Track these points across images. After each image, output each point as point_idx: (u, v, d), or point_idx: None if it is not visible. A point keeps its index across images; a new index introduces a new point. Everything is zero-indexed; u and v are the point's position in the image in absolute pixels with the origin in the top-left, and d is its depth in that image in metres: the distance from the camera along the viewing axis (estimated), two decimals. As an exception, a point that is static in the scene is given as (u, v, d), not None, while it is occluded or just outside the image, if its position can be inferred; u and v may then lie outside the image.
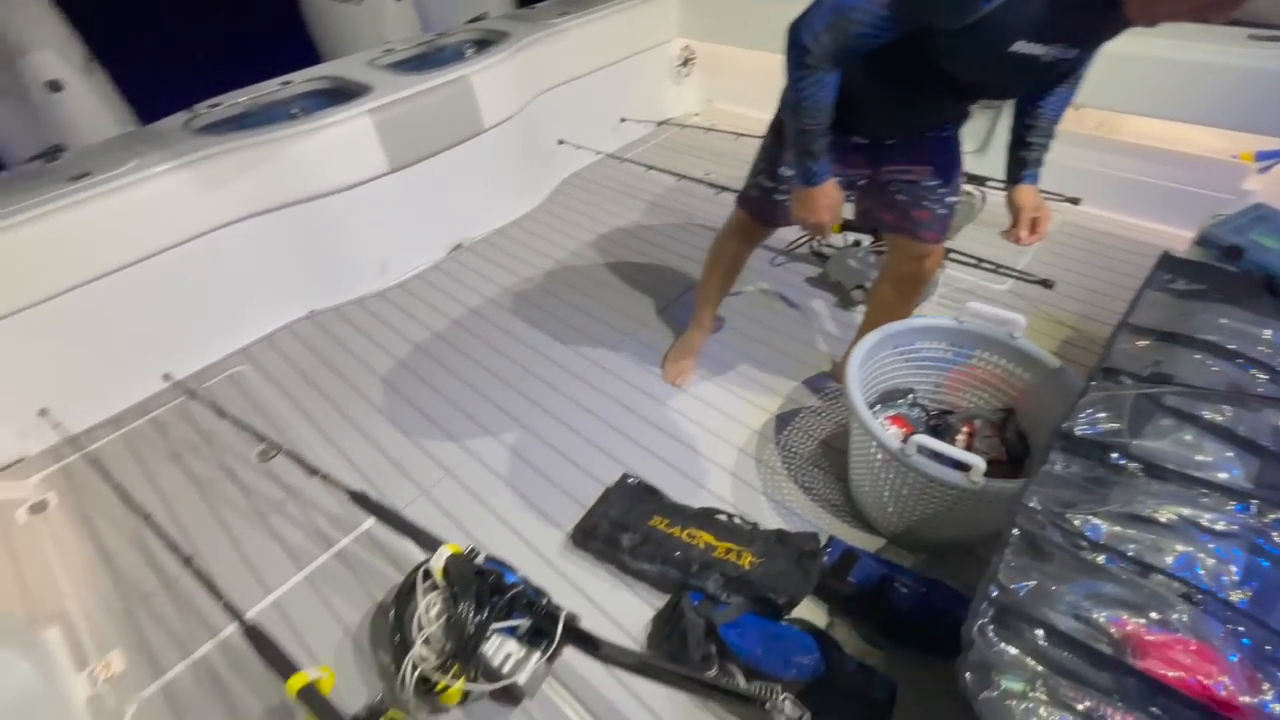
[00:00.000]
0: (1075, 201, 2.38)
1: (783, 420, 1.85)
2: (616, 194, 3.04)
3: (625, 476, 1.66)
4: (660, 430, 1.84)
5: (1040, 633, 0.76)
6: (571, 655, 1.33)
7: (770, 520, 1.56)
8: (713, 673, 1.22)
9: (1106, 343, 1.15)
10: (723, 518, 1.52)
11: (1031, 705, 0.70)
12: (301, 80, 2.54)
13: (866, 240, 2.26)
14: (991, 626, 0.78)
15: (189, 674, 1.39)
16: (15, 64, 2.61)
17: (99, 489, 1.77)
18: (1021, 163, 1.36)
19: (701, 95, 3.76)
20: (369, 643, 1.42)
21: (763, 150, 1.59)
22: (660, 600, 1.42)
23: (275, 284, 2.32)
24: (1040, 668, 0.73)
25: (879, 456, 1.34)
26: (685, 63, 3.61)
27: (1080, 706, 0.69)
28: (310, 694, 1.12)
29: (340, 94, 2.40)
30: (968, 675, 0.74)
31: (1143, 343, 1.14)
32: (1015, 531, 0.88)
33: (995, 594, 0.81)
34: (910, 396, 1.65)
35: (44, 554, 1.66)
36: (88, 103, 2.79)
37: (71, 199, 1.80)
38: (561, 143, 3.08)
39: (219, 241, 2.12)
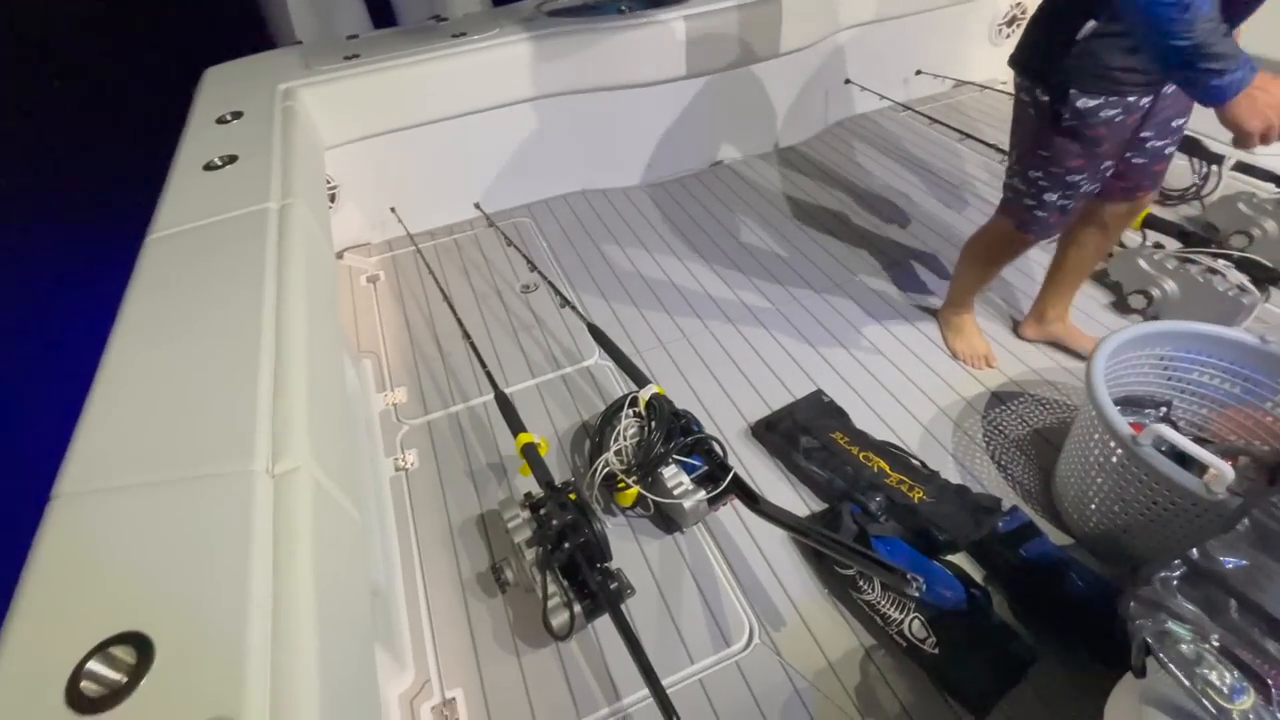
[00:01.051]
0: None
1: (999, 398, 1.76)
2: (890, 144, 2.95)
3: (819, 391, 1.74)
4: (864, 369, 1.87)
5: (1234, 603, 0.73)
6: (727, 514, 1.50)
7: (952, 479, 1.54)
8: (854, 570, 1.30)
9: None
10: (903, 454, 1.54)
11: (1194, 650, 0.69)
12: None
13: (1173, 244, 1.96)
14: (1177, 580, 0.76)
15: (445, 419, 1.83)
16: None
17: (414, 276, 2.32)
18: None
19: (1018, 62, 3.39)
20: (569, 448, 1.72)
21: (1017, 141, 1.47)
22: (819, 507, 1.51)
23: (565, 157, 2.71)
24: (1219, 633, 0.71)
25: (1104, 444, 1.25)
26: (1011, 21, 3.27)
27: (1257, 669, 0.67)
28: (530, 450, 1.42)
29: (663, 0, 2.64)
30: (1132, 604, 0.74)
31: None
32: (1246, 521, 0.82)
33: (1195, 555, 0.78)
34: (1164, 410, 1.47)
35: (372, 311, 2.24)
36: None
37: (451, 50, 2.28)
38: (848, 82, 3.04)
39: (534, 108, 2.53)
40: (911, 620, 1.21)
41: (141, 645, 0.69)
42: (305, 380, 1.02)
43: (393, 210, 2.46)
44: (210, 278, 1.25)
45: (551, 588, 1.22)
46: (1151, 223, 1.96)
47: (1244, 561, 0.76)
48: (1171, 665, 0.68)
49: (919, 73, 3.21)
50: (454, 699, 1.25)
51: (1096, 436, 1.26)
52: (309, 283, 1.26)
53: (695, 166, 2.88)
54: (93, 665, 0.67)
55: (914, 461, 1.52)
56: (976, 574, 1.35)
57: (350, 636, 0.86)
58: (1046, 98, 1.35)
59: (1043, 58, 1.34)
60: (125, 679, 0.65)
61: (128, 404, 0.99)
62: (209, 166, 1.65)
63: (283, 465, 0.89)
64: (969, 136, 2.82)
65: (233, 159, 1.67)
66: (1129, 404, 1.50)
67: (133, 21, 8.32)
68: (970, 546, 1.35)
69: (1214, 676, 0.67)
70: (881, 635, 1.26)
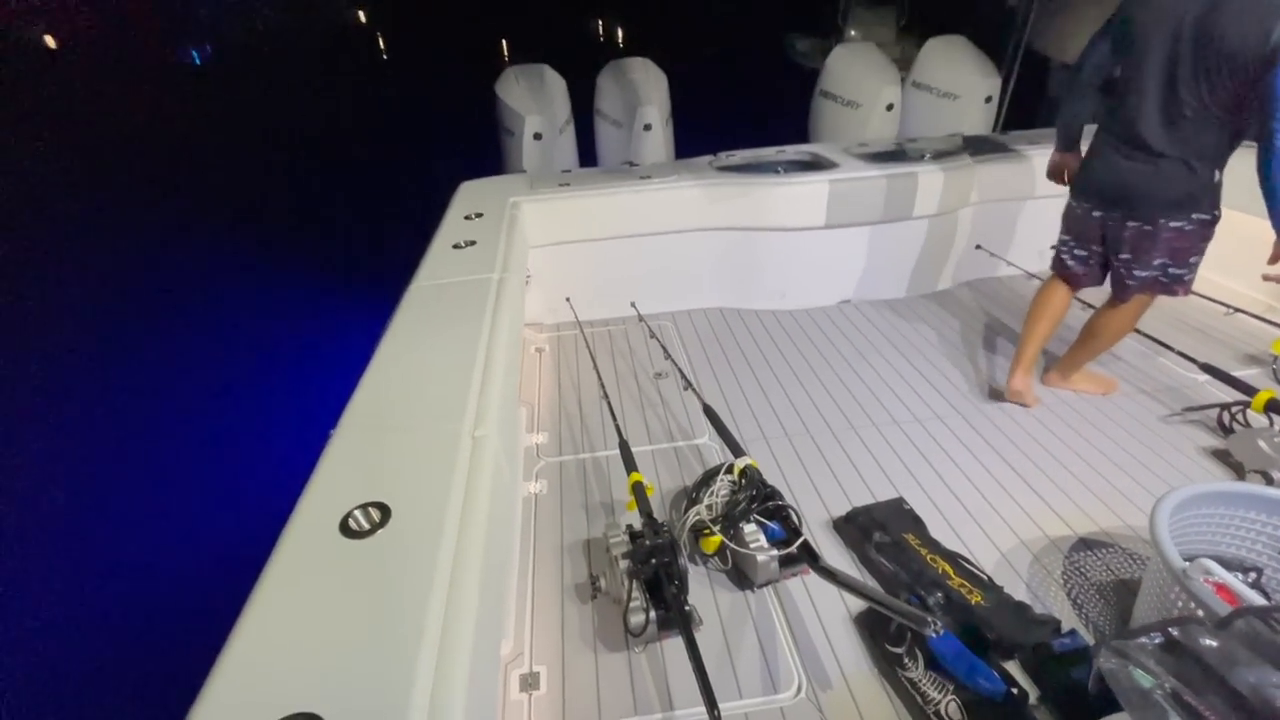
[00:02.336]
0: None
1: (1086, 544, 1.81)
2: (1015, 308, 3.13)
3: (901, 499, 1.90)
4: (949, 489, 2.00)
5: (1199, 672, 0.86)
6: (795, 584, 1.69)
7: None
8: (901, 649, 1.43)
9: None
10: (970, 565, 1.65)
11: (1151, 688, 0.83)
12: (792, 151, 3.42)
13: (1297, 430, 1.94)
14: (1153, 645, 0.90)
15: (574, 462, 2.22)
16: (635, 110, 4.16)
17: (572, 354, 2.85)
18: None
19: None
20: (669, 505, 2.02)
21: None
22: (883, 596, 1.65)
23: (712, 278, 3.21)
24: (1175, 684, 0.84)
25: (1162, 578, 1.32)
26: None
27: None
28: (639, 488, 1.75)
29: (814, 165, 3.18)
30: (1103, 649, 0.89)
31: None
32: (1241, 623, 0.94)
33: (1175, 632, 0.91)
34: (1254, 575, 1.48)
35: (535, 373, 2.77)
36: (659, 140, 4.25)
37: (638, 188, 2.94)
38: (979, 248, 3.32)
39: (695, 238, 3.08)
40: (949, 702, 1.31)
41: (384, 509, 1.11)
42: (499, 386, 1.49)
43: (567, 300, 3.06)
44: (451, 313, 1.80)
45: (635, 594, 1.49)
46: (1274, 406, 1.97)
47: (1216, 644, 0.89)
48: (1124, 694, 0.83)
49: (1054, 247, 3.40)
50: (539, 673, 1.52)
51: (1173, 593, 1.32)
52: (508, 328, 1.77)
53: (824, 302, 3.25)
54: (355, 514, 1.11)
55: (980, 573, 1.63)
56: (1031, 692, 1.41)
57: (501, 549, 1.25)
58: None
59: None
60: (373, 526, 1.10)
61: (392, 380, 1.51)
62: (456, 246, 2.31)
63: (480, 431, 1.32)
64: (1092, 307, 2.92)
65: (473, 243, 2.33)
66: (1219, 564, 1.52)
67: (400, 136, 10.98)
68: (1026, 662, 1.42)
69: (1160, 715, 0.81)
70: (919, 713, 1.35)
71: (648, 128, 4.19)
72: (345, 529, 1.09)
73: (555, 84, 4.32)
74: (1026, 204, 3.28)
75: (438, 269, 2.15)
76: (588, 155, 4.60)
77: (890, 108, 4.37)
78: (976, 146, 3.27)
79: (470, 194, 3.03)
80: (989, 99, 4.48)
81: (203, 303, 6.85)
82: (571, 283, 3.13)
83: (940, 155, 3.27)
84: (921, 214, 3.05)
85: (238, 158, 10.73)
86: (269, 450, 4.54)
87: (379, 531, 1.08)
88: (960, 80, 4.48)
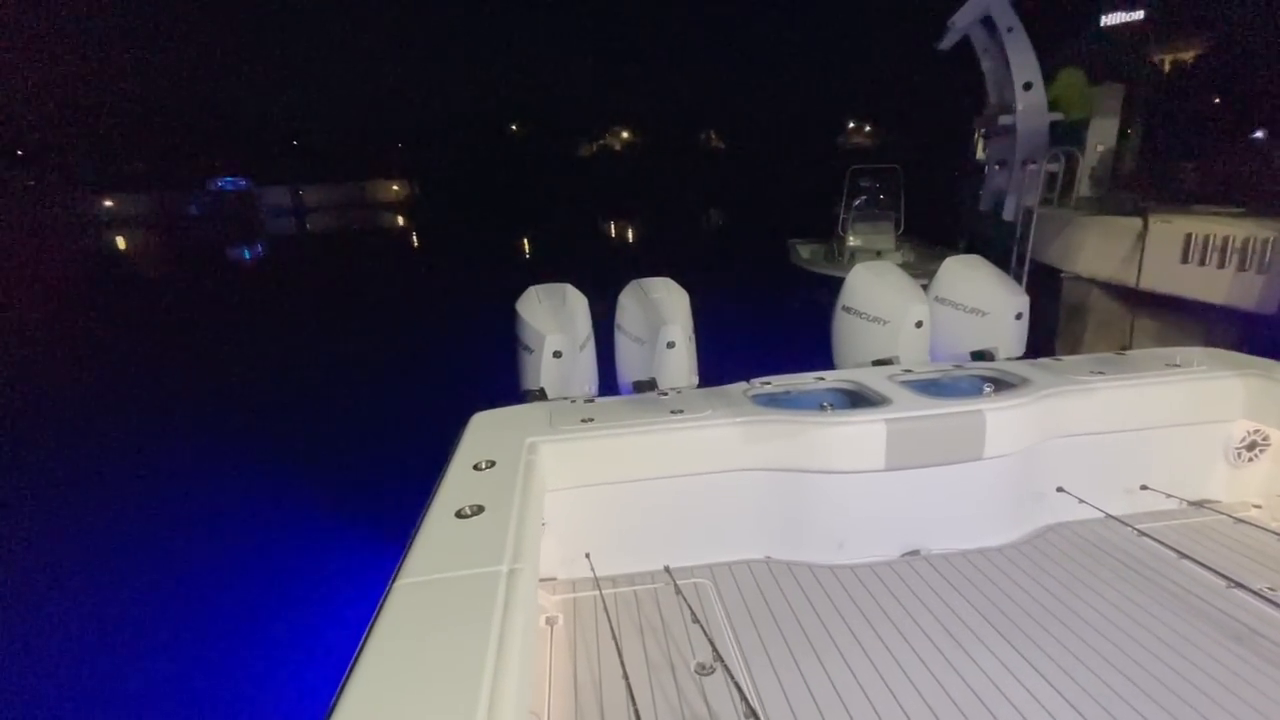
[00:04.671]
0: None
1: None
2: (1110, 560, 2.62)
3: None
4: None
5: None
6: None
7: None
8: None
9: None
10: None
11: None
12: (832, 379, 3.17)
13: None
14: None
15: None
16: (658, 328, 4.05)
17: (591, 625, 2.31)
18: None
19: (1270, 487, 3.04)
20: None
21: None
22: None
23: (752, 524, 2.76)
24: None
25: None
26: (1252, 446, 3.04)
27: None
28: None
29: (861, 398, 2.89)
30: None
31: None
32: None
33: None
34: None
35: (544, 659, 2.21)
36: (683, 357, 4.07)
37: (670, 425, 2.62)
38: (1060, 491, 2.90)
39: (736, 479, 2.70)
40: None
41: None
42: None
43: (587, 556, 2.60)
44: (445, 629, 1.36)
45: None
46: None
47: None
48: None
49: (1144, 488, 2.99)
50: None
51: None
52: (521, 647, 1.32)
53: (888, 554, 2.76)
54: None
55: None
56: None
57: None
58: None
59: None
60: None
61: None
62: (460, 514, 1.92)
63: None
64: (1186, 557, 2.43)
65: (480, 509, 1.93)
66: None
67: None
68: None
69: None
70: None
71: (671, 345, 4.04)
72: None
73: (577, 302, 4.28)
74: (1109, 437, 2.93)
75: (434, 553, 1.73)
76: (607, 371, 4.42)
77: (919, 324, 4.26)
78: (1035, 375, 3.00)
79: (483, 429, 2.72)
80: (1019, 315, 4.39)
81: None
82: (594, 530, 2.69)
83: (1000, 385, 2.99)
84: (994, 454, 2.69)
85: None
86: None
87: None
88: (987, 297, 4.42)
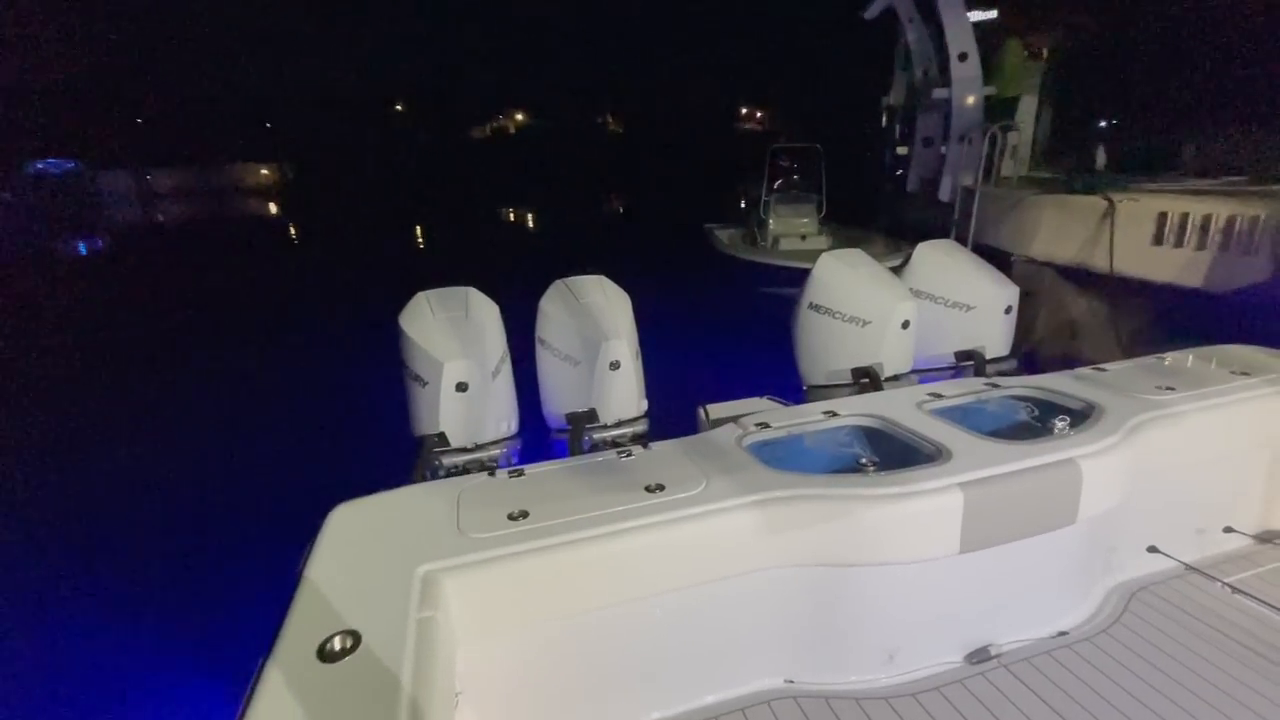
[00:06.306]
0: None
1: None
2: (1209, 629, 2.01)
3: None
4: None
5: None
6: None
7: None
8: None
9: None
10: None
11: None
12: (848, 414, 2.34)
13: None
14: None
15: None
16: (597, 345, 3.08)
17: None
18: None
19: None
20: None
21: None
22: None
23: (770, 642, 1.90)
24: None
25: None
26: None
27: None
28: None
29: (903, 446, 2.09)
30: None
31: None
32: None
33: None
34: None
35: None
36: (630, 382, 3.14)
37: (652, 520, 1.68)
38: (1154, 550, 2.25)
39: (746, 585, 1.81)
40: None
41: None
42: None
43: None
44: None
45: None
46: None
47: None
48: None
49: (1229, 530, 2.41)
50: None
51: None
52: None
53: (950, 659, 1.99)
54: None
55: None
56: None
57: None
58: None
59: None
60: None
61: None
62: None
63: None
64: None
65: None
66: None
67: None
68: None
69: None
70: None
71: (615, 366, 3.10)
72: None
73: (484, 313, 3.20)
74: (1185, 474, 2.31)
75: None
76: (531, 402, 3.40)
77: (906, 325, 3.57)
78: (1101, 398, 2.33)
79: (346, 545, 1.66)
80: (1009, 309, 3.82)
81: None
82: (541, 687, 1.72)
83: (1056, 411, 2.29)
84: (1088, 514, 1.97)
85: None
86: None
87: None
88: (972, 288, 3.82)
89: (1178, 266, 5.40)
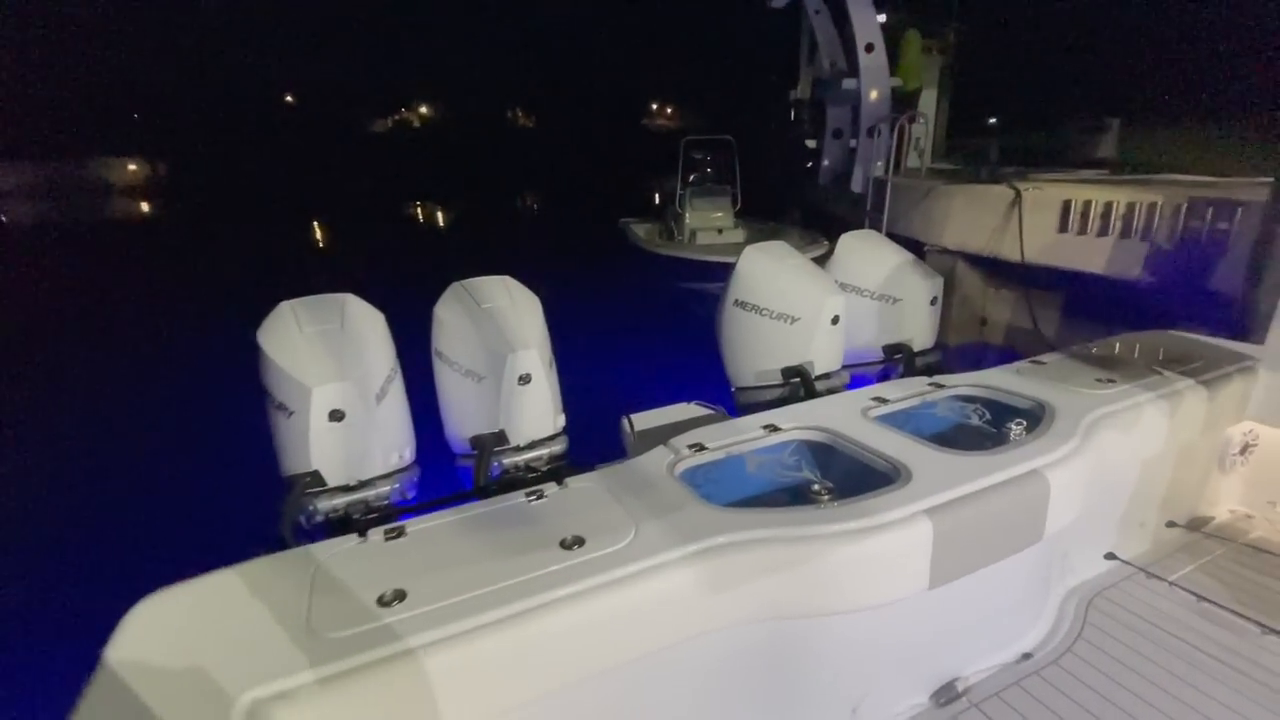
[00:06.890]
0: None
1: None
2: (1165, 634, 1.91)
3: None
4: None
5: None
6: None
7: None
8: None
9: None
10: None
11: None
12: (790, 427, 2.07)
13: None
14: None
15: None
16: (503, 357, 2.67)
17: None
18: None
19: (1258, 493, 2.59)
20: None
21: None
22: None
23: (719, 709, 1.58)
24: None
25: None
26: (1243, 450, 2.55)
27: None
28: None
29: (853, 463, 1.84)
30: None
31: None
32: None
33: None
34: None
35: None
36: (544, 399, 2.76)
37: (569, 589, 1.32)
38: (1106, 555, 2.13)
39: (689, 651, 1.48)
40: None
41: None
42: None
43: None
44: None
45: None
46: None
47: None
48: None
49: (1171, 524, 2.35)
50: None
51: None
52: None
53: (917, 700, 1.76)
54: None
55: None
56: None
57: None
58: None
59: None
60: None
61: None
62: None
63: None
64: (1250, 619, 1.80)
65: None
66: None
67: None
68: None
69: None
70: None
71: (525, 380, 2.70)
72: None
73: (367, 324, 2.69)
74: (1130, 470, 2.21)
75: None
76: (429, 426, 2.93)
77: (836, 320, 3.38)
78: (1039, 398, 2.18)
79: (145, 648, 1.19)
80: (934, 300, 3.74)
81: None
82: None
83: (1030, 420, 2.09)
84: (1054, 529, 1.79)
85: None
86: None
87: None
88: (897, 280, 3.71)
89: (1083, 253, 5.65)
